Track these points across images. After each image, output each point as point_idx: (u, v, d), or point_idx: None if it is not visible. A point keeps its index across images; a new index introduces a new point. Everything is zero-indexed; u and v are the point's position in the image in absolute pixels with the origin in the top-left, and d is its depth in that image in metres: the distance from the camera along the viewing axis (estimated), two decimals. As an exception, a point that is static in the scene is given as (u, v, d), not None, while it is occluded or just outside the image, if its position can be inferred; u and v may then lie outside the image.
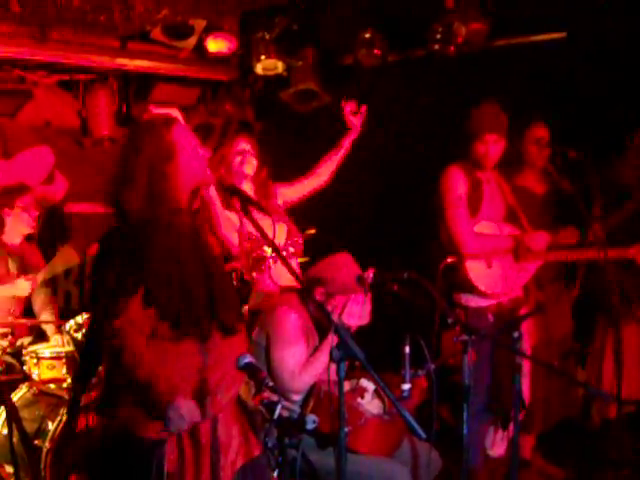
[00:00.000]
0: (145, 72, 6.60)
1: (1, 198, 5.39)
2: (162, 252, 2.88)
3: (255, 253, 4.29)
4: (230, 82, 7.04)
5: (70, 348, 4.93)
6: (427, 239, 5.02)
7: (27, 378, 4.87)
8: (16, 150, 6.19)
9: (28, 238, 5.53)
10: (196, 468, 2.91)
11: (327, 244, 4.31)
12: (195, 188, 3.01)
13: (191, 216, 3.03)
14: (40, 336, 5.29)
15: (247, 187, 4.49)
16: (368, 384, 3.88)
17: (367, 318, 3.93)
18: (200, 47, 6.31)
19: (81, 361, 4.51)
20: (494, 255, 4.73)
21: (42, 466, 4.38)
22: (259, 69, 6.49)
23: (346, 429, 2.68)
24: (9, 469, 4.49)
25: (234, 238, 4.20)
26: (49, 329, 5.28)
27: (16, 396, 4.71)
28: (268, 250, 4.28)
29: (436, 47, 5.85)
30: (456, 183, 4.70)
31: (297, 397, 3.79)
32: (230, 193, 2.98)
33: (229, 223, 4.16)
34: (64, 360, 4.88)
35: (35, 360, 4.88)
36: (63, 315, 5.36)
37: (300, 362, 3.78)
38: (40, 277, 5.26)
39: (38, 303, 5.41)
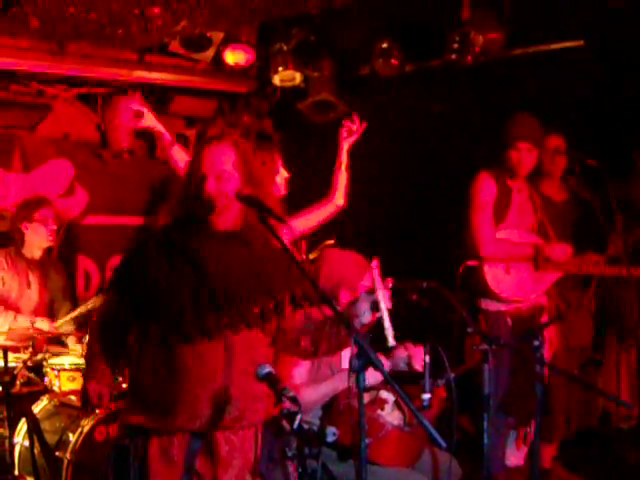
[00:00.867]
0: (163, 84, 6.63)
1: (20, 211, 5.42)
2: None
3: None
4: (248, 94, 7.05)
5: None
6: (446, 247, 5.02)
7: (48, 390, 4.90)
8: (35, 163, 6.24)
9: (48, 251, 5.56)
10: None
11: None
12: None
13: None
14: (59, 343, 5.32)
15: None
16: (388, 395, 3.85)
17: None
18: (218, 59, 6.31)
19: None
20: (513, 261, 4.75)
21: (63, 477, 4.39)
22: (277, 80, 6.49)
23: (367, 441, 2.67)
24: (31, 480, 4.52)
25: None
26: (70, 340, 5.31)
27: (37, 408, 4.74)
28: None
29: (453, 57, 5.84)
30: (485, 188, 4.79)
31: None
32: (248, 204, 2.97)
33: None
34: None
35: (56, 372, 4.91)
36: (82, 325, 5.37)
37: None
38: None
39: (59, 315, 5.42)
